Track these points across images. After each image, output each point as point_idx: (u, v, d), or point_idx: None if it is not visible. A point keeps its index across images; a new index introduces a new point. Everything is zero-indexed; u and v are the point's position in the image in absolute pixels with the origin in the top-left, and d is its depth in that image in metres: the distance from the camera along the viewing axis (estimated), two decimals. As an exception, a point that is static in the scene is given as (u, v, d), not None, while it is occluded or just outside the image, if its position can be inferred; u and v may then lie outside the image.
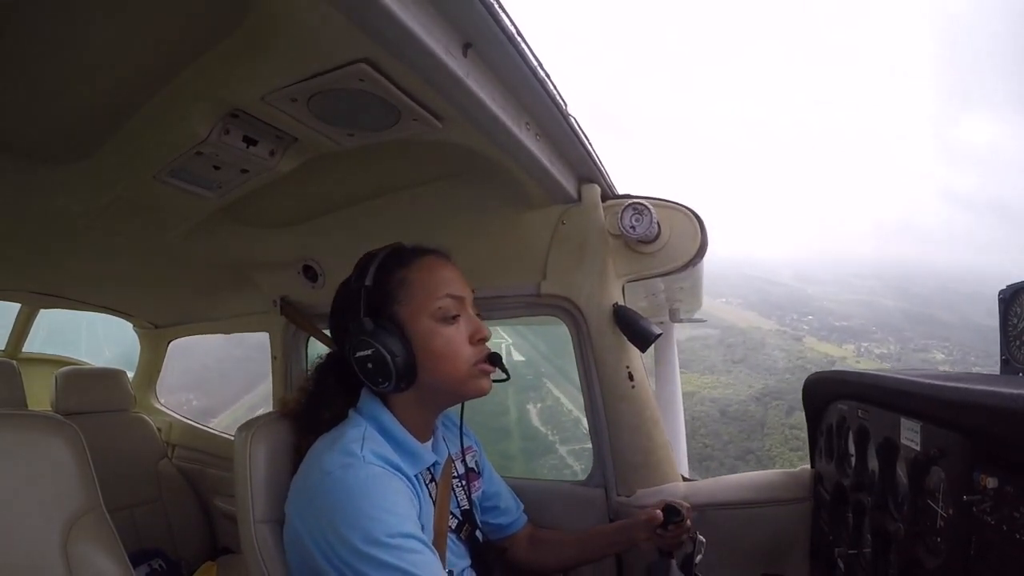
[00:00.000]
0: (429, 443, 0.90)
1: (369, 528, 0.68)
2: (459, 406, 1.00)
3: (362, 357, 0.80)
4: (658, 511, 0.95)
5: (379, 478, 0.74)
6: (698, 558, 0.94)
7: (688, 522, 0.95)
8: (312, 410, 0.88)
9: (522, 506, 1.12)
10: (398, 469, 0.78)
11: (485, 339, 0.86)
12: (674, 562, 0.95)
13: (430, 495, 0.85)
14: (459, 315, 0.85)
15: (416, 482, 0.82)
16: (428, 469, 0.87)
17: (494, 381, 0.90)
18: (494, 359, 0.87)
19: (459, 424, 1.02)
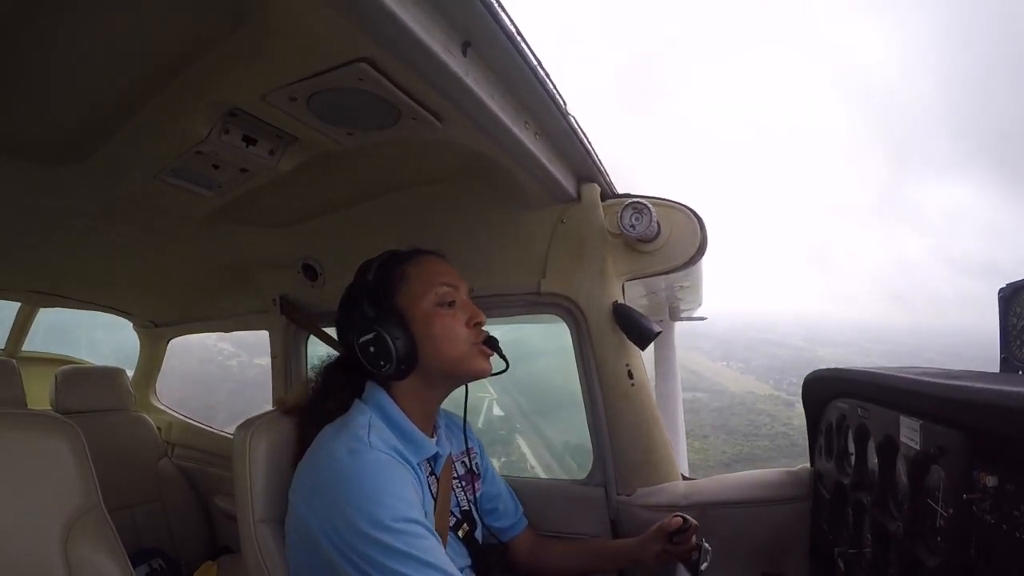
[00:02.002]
0: (431, 437, 0.91)
1: (375, 512, 0.69)
2: (462, 409, 1.01)
3: (365, 342, 0.83)
4: (676, 517, 0.96)
5: (385, 464, 0.75)
6: (704, 565, 0.94)
7: (693, 538, 0.96)
8: (318, 402, 0.90)
9: (521, 509, 1.11)
10: (402, 457, 0.79)
11: (481, 323, 0.89)
12: (681, 566, 0.95)
13: (430, 489, 0.86)
14: (455, 301, 0.88)
15: (419, 471, 0.83)
16: (428, 462, 0.88)
17: (494, 374, 0.92)
18: (491, 343, 0.89)
19: (462, 423, 1.02)
